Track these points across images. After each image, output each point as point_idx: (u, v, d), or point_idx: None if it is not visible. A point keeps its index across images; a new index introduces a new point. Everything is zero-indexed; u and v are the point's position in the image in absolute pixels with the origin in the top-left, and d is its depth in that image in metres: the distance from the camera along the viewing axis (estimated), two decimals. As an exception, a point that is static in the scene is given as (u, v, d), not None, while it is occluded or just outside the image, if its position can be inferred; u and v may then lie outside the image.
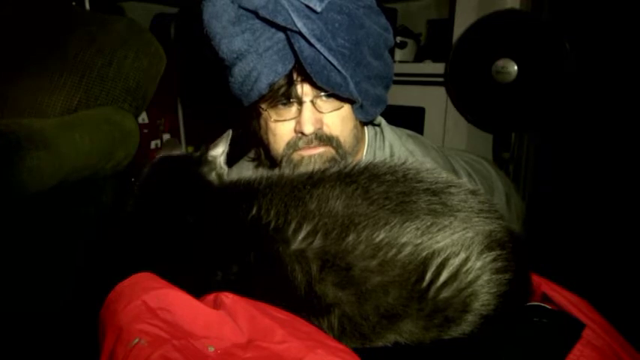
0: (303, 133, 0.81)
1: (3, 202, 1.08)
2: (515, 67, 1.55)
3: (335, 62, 0.72)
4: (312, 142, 0.82)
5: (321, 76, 0.74)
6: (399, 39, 2.13)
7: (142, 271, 0.59)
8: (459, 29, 1.74)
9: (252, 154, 1.03)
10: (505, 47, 1.58)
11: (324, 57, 0.72)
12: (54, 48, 1.47)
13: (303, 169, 0.81)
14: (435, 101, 1.87)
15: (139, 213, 0.69)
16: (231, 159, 1.03)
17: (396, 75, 2.13)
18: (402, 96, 1.93)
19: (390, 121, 1.00)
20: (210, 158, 0.73)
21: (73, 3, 1.89)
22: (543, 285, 0.64)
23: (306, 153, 0.83)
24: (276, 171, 0.68)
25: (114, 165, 1.36)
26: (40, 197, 1.12)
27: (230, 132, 0.77)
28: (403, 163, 0.61)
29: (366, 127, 0.98)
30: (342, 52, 0.74)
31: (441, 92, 1.84)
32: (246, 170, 1.02)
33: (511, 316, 0.58)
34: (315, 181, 0.60)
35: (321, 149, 0.83)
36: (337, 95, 0.80)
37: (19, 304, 1.19)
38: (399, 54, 2.14)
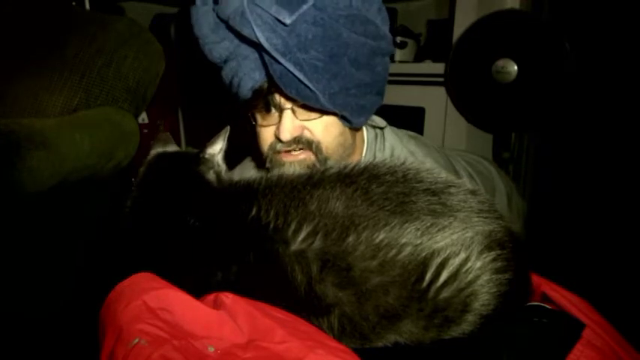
0: (280, 140, 0.82)
1: (3, 202, 1.08)
2: (515, 67, 1.55)
3: (301, 76, 0.71)
4: (290, 146, 0.82)
5: (291, 89, 0.73)
6: (399, 39, 2.13)
7: (142, 271, 0.59)
8: (459, 29, 1.74)
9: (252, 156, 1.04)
10: (505, 47, 1.58)
11: (290, 71, 0.71)
12: (54, 48, 1.47)
13: (284, 171, 0.82)
14: (435, 101, 1.87)
15: (139, 213, 0.69)
16: (235, 159, 1.03)
17: (396, 75, 2.14)
18: (402, 96, 1.93)
19: (389, 121, 1.00)
20: (207, 156, 0.72)
21: (73, 3, 1.89)
22: (543, 285, 0.64)
23: (286, 159, 0.84)
24: (276, 171, 0.68)
25: (114, 165, 1.36)
26: (40, 197, 1.12)
27: (228, 129, 0.76)
28: (403, 164, 0.61)
29: (365, 129, 0.97)
30: (315, 64, 0.72)
31: (441, 92, 1.84)
32: (247, 171, 1.02)
33: (511, 316, 0.58)
34: (315, 181, 0.60)
35: (301, 156, 0.83)
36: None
37: (19, 304, 1.19)
38: (399, 54, 2.14)
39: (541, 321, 0.57)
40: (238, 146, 0.88)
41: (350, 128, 0.88)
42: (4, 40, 1.51)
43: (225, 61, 0.78)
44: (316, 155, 0.83)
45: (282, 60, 0.69)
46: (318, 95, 0.74)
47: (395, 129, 0.99)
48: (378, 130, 0.98)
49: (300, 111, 0.81)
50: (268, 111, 0.82)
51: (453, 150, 1.47)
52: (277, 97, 0.80)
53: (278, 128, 0.81)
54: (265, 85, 0.78)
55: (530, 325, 0.57)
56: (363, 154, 0.96)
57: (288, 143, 0.82)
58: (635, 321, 0.75)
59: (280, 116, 0.81)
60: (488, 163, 1.34)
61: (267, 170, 0.88)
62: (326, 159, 0.84)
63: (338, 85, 0.75)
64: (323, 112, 0.81)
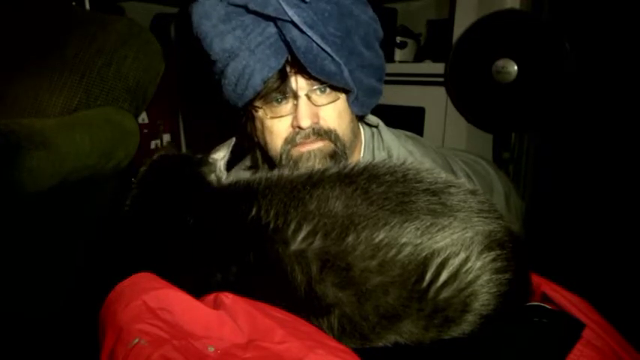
0: (300, 127, 0.81)
1: (3, 202, 1.08)
2: (515, 67, 1.55)
3: (328, 49, 0.73)
4: (309, 137, 0.81)
5: (315, 66, 0.74)
6: (399, 39, 2.12)
7: (142, 271, 0.59)
8: (459, 29, 1.74)
9: (247, 162, 1.01)
10: (505, 47, 1.58)
11: (317, 44, 0.72)
12: (54, 48, 1.47)
13: (302, 164, 0.81)
14: (435, 101, 1.87)
15: (139, 212, 0.69)
16: (231, 163, 1.02)
17: (396, 75, 2.13)
18: (402, 96, 1.93)
19: (390, 121, 1.00)
20: (210, 160, 0.73)
21: (73, 3, 1.89)
22: (543, 285, 0.64)
23: (304, 148, 0.82)
24: (276, 171, 0.68)
25: (114, 165, 1.36)
26: (40, 197, 1.12)
27: (233, 140, 0.77)
28: (403, 164, 0.61)
29: (362, 128, 0.97)
30: (334, 40, 0.74)
31: (441, 92, 1.84)
32: (244, 173, 1.01)
33: (511, 316, 0.58)
34: (314, 181, 0.60)
35: (320, 143, 0.83)
36: (332, 87, 0.80)
37: (19, 304, 1.19)
38: (399, 54, 2.14)
39: (541, 321, 0.57)
40: (235, 151, 0.87)
41: (356, 120, 0.90)
42: (4, 40, 1.51)
43: (232, 56, 0.76)
44: (335, 144, 0.83)
45: (309, 32, 0.71)
46: (343, 69, 0.75)
47: (391, 129, 0.99)
48: (374, 129, 0.98)
49: (314, 97, 0.81)
50: (280, 101, 0.81)
51: (450, 150, 1.47)
52: (293, 83, 0.79)
53: (295, 117, 0.81)
54: (278, 75, 0.77)
55: (530, 325, 0.57)
56: (362, 153, 0.96)
57: (307, 133, 0.81)
58: (635, 321, 0.75)
59: (295, 105, 0.81)
60: (486, 164, 1.34)
61: (269, 169, 0.88)
62: (345, 147, 0.84)
63: (354, 62, 0.78)
64: (337, 95, 0.82)
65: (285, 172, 0.64)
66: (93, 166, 1.26)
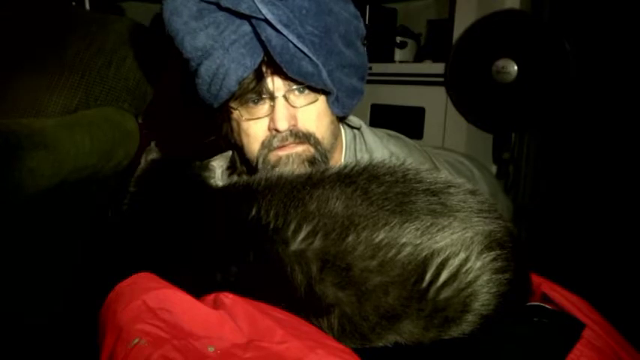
0: (277, 130, 0.77)
1: (2, 202, 1.08)
2: (515, 67, 1.55)
3: (305, 49, 0.70)
4: (287, 140, 0.78)
5: (292, 66, 0.71)
6: (399, 39, 2.13)
7: (142, 271, 0.59)
8: (459, 29, 1.74)
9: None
10: (505, 47, 1.58)
11: (293, 44, 0.69)
12: (54, 48, 1.47)
13: (280, 169, 0.78)
14: (435, 101, 1.87)
15: (139, 212, 0.69)
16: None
17: (396, 75, 2.13)
18: (402, 96, 1.93)
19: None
20: (210, 167, 0.73)
21: (73, 3, 1.89)
22: (543, 285, 0.65)
23: (283, 152, 0.79)
24: (276, 171, 0.67)
25: (114, 165, 1.36)
26: (40, 197, 1.12)
27: (230, 153, 0.76)
28: (402, 164, 0.61)
29: (343, 130, 0.94)
30: (312, 39, 0.71)
31: (441, 92, 1.84)
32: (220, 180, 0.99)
33: (511, 316, 0.58)
34: (314, 181, 0.60)
35: (299, 148, 0.79)
36: (311, 87, 0.77)
37: (19, 304, 1.19)
38: (399, 54, 2.14)
39: (541, 321, 0.57)
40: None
41: (336, 121, 0.87)
42: (4, 40, 1.51)
43: (206, 55, 0.73)
44: (315, 148, 0.80)
45: (285, 31, 0.68)
46: (321, 70, 0.72)
47: (373, 129, 0.96)
48: (356, 131, 0.95)
49: (292, 98, 0.77)
50: (257, 102, 0.78)
51: (436, 149, 1.46)
52: (270, 84, 0.76)
53: (272, 119, 0.77)
54: (254, 74, 0.74)
55: (530, 325, 0.57)
56: (343, 155, 0.93)
57: (285, 137, 0.78)
58: (635, 321, 0.75)
59: (272, 106, 0.77)
60: (471, 164, 1.31)
61: (245, 175, 0.85)
62: (325, 151, 0.81)
63: (334, 62, 0.75)
64: (316, 95, 0.79)
65: (285, 172, 0.65)
66: (93, 166, 1.26)
